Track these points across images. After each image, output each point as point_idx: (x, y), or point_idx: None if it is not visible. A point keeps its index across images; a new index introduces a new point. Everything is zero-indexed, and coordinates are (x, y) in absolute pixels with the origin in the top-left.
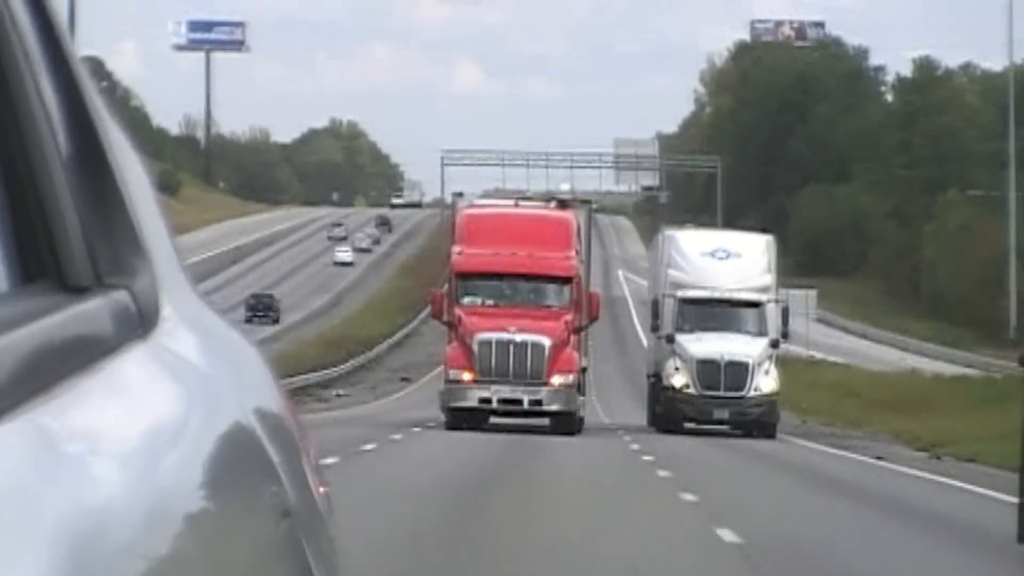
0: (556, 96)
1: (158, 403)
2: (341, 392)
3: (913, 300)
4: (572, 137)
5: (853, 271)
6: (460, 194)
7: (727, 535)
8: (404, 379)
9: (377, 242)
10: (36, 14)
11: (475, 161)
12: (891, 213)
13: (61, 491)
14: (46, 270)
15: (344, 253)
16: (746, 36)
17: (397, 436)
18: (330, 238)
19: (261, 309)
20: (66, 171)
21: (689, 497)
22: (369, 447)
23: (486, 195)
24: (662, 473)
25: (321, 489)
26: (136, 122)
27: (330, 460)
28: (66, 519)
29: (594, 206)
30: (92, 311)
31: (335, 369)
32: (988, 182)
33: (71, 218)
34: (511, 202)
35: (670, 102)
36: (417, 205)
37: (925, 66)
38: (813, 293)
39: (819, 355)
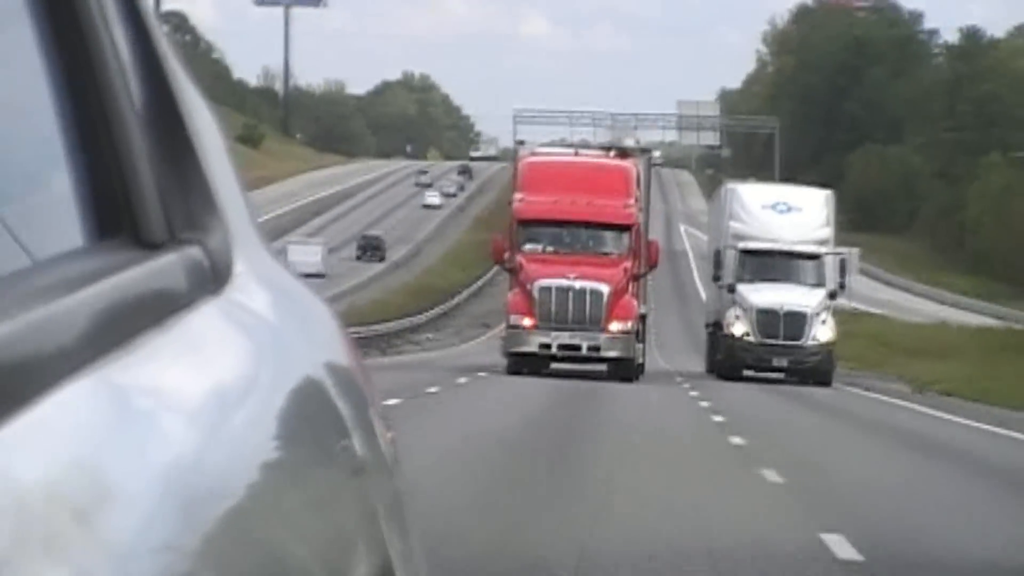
0: (623, 48)
1: (230, 359)
2: (431, 336)
3: (958, 256)
4: (638, 92)
5: (903, 228)
6: (522, 142)
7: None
8: (484, 325)
9: (462, 188)
10: None
11: (545, 120)
12: (939, 173)
13: (135, 447)
14: (121, 226)
15: (433, 197)
16: None
17: (464, 378)
18: (417, 184)
19: (370, 248)
20: (141, 127)
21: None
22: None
23: (549, 144)
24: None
25: (388, 435)
26: (217, 75)
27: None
28: (142, 474)
29: (656, 154)
30: (166, 267)
31: (422, 316)
32: None
33: (146, 174)
34: (571, 151)
35: (736, 57)
36: (494, 158)
37: (971, 35)
38: (856, 251)
39: (862, 307)
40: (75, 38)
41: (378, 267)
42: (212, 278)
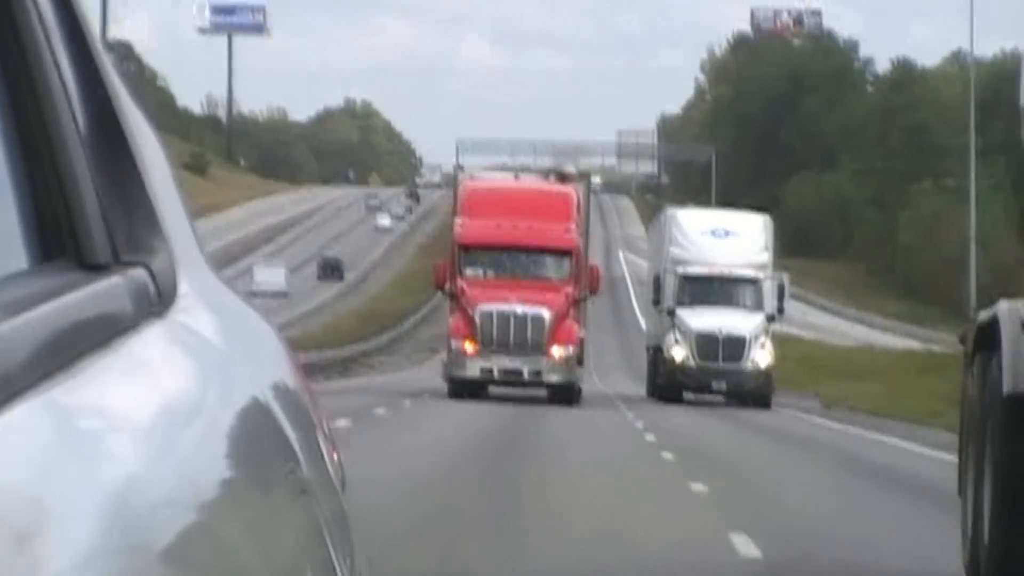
0: (563, 73)
1: (176, 380)
2: (383, 359)
3: (890, 281)
4: (579, 118)
5: (837, 253)
6: (461, 167)
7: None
8: (432, 349)
9: (410, 210)
10: None
11: (488, 149)
12: (872, 200)
13: (80, 469)
14: (65, 248)
15: (384, 219)
16: (747, 21)
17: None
18: (368, 207)
19: (329, 268)
20: (85, 148)
21: (666, 453)
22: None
23: (489, 169)
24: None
25: (335, 455)
26: (162, 103)
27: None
28: (84, 496)
29: (595, 180)
30: (110, 289)
31: (373, 341)
32: (960, 173)
33: (90, 196)
34: (512, 175)
35: (676, 81)
36: (437, 186)
37: (902, 66)
38: (786, 275)
39: (794, 331)
40: (19, 60)
41: (330, 293)
42: (157, 300)
